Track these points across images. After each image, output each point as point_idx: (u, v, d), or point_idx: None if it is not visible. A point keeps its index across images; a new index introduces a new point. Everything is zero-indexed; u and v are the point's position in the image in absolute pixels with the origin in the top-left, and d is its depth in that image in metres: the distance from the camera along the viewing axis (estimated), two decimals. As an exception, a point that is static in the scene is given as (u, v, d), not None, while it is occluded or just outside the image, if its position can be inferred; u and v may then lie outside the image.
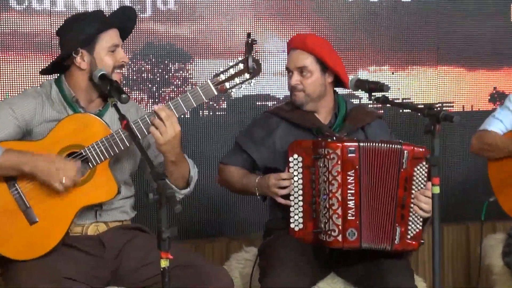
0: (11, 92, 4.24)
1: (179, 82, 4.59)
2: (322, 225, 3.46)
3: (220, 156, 3.92)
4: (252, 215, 4.76)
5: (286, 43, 3.81)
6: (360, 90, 3.56)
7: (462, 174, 5.17)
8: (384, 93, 3.43)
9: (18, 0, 4.29)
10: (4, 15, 4.27)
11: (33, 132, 3.27)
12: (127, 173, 3.41)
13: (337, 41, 4.81)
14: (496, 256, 4.02)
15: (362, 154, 3.43)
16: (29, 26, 4.31)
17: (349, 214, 3.42)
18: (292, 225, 3.53)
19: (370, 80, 3.55)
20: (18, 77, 4.28)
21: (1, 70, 4.27)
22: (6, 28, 4.28)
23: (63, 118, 3.24)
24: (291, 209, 3.53)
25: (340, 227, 3.42)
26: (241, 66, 3.20)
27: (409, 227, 3.46)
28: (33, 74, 4.28)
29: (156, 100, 4.53)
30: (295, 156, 3.52)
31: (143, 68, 4.54)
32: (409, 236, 3.47)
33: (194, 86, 3.24)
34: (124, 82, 4.41)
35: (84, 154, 3.19)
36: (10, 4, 4.28)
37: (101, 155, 3.19)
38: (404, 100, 5.05)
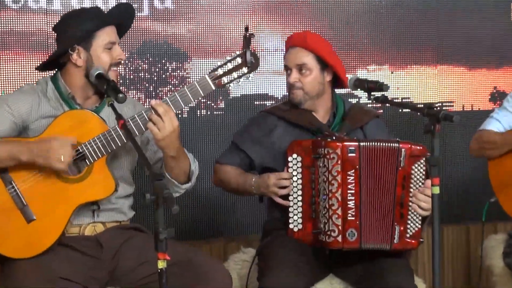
0: (7, 91, 4.23)
1: (177, 82, 4.59)
2: (321, 225, 3.45)
3: (218, 156, 3.90)
4: (250, 216, 4.75)
5: (284, 42, 3.79)
6: (359, 89, 3.56)
7: (462, 174, 5.17)
8: (383, 93, 3.43)
9: (14, -2, 4.29)
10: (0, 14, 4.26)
11: (30, 129, 3.26)
12: (125, 169, 3.40)
13: (336, 40, 4.80)
14: (497, 257, 4.01)
15: (362, 154, 3.42)
16: (25, 24, 4.30)
17: (349, 215, 3.41)
18: (291, 226, 3.52)
19: (369, 79, 3.53)
20: (14, 75, 4.27)
21: (-2, 69, 4.28)
22: (2, 27, 4.27)
23: (60, 114, 3.23)
24: (290, 209, 3.52)
25: (340, 227, 3.41)
26: (238, 60, 3.19)
27: (408, 226, 3.46)
28: (30, 72, 4.27)
29: (153, 99, 4.51)
30: (295, 156, 3.51)
31: (140, 67, 4.53)
32: (408, 235, 3.46)
33: (191, 83, 3.26)
34: (121, 81, 4.40)
35: (81, 150, 3.18)
36: (6, 3, 4.26)
37: (98, 152, 3.18)
38: (403, 100, 5.04)
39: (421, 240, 3.48)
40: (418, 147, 3.44)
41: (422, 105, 3.26)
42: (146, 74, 4.54)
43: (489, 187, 4.04)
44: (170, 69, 4.58)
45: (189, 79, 4.59)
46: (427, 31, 5.08)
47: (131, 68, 4.51)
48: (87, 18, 3.25)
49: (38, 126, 3.24)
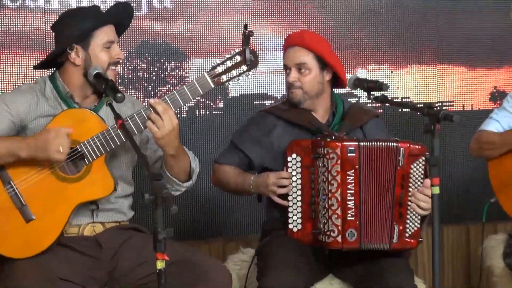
0: (5, 90, 4.22)
1: (175, 81, 4.58)
2: (321, 225, 3.44)
3: (217, 156, 3.89)
4: (249, 216, 4.75)
5: (283, 41, 3.77)
6: (359, 89, 3.56)
7: (462, 174, 5.16)
8: (383, 92, 3.42)
9: (12, -2, 4.28)
10: (-3, 13, 4.27)
11: (28, 128, 3.25)
12: (124, 169, 3.39)
13: (335, 39, 4.80)
14: (497, 257, 4.01)
15: (362, 154, 3.41)
16: (23, 24, 4.29)
17: (349, 215, 3.41)
18: (290, 226, 3.51)
19: (369, 79, 3.52)
20: (12, 75, 4.26)
21: (-4, 68, 4.27)
22: (0, 26, 4.25)
23: (58, 113, 3.22)
24: (290, 209, 3.51)
25: (339, 227, 3.40)
26: (238, 58, 3.18)
27: (407, 225, 3.45)
28: (28, 72, 4.26)
29: (152, 98, 4.50)
30: (294, 155, 3.50)
31: (138, 67, 4.52)
32: (407, 235, 3.46)
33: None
34: (119, 81, 4.39)
35: (80, 149, 3.17)
36: (4, 2, 4.25)
37: (97, 151, 3.17)
38: (403, 99, 5.04)
39: (420, 239, 3.48)
40: (417, 147, 3.44)
41: (422, 105, 3.26)
42: (145, 73, 4.53)
43: (489, 187, 4.04)
44: (168, 69, 4.57)
45: (187, 79, 4.58)
46: (427, 31, 5.07)
47: (130, 67, 4.50)
48: (85, 17, 3.24)
49: (36, 125, 3.23)
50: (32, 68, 3.82)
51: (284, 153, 3.53)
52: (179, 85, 4.48)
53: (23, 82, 4.20)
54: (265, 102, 4.71)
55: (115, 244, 3.29)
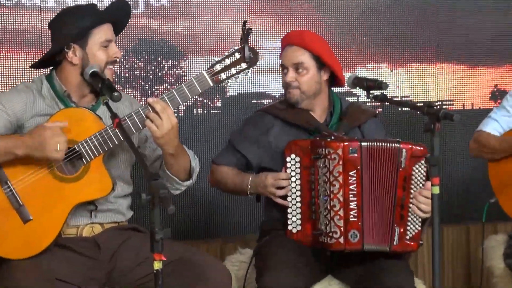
0: (2, 89, 4.21)
1: (173, 80, 4.58)
2: (322, 227, 3.43)
3: (215, 155, 3.86)
4: (247, 216, 4.74)
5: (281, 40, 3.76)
6: (358, 88, 3.55)
7: (462, 174, 5.17)
8: (382, 91, 3.41)
9: (8, -5, 4.27)
10: (-7, 11, 4.25)
11: (25, 127, 3.23)
12: (122, 168, 3.38)
13: (334, 38, 4.79)
14: (497, 258, 4.01)
15: (364, 154, 3.40)
16: (19, 22, 4.28)
17: (351, 216, 3.39)
18: (289, 227, 3.50)
19: (369, 77, 3.51)
20: (8, 74, 4.25)
21: (-9, 67, 4.26)
22: (-4, 24, 4.26)
23: (56, 113, 3.21)
24: (289, 210, 3.50)
25: (342, 228, 3.39)
26: (237, 55, 3.16)
27: (408, 228, 3.44)
28: (24, 71, 4.24)
29: (150, 97, 4.49)
30: (293, 156, 3.48)
31: (135, 66, 4.52)
32: (408, 237, 3.45)
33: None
34: (116, 79, 4.38)
35: (77, 149, 3.15)
36: (-1, 0, 4.24)
37: (94, 150, 3.15)
38: (403, 98, 5.03)
39: (421, 242, 3.46)
40: (419, 148, 3.43)
41: (422, 104, 3.24)
42: (142, 72, 4.52)
43: (489, 187, 4.04)
44: (166, 67, 4.56)
45: (185, 77, 4.57)
46: (426, 29, 5.07)
47: (127, 66, 4.50)
48: (83, 15, 3.23)
49: (33, 124, 3.21)
50: (28, 67, 3.81)
51: (282, 153, 3.51)
52: (177, 84, 4.49)
53: (20, 80, 4.21)
54: (263, 101, 4.70)
55: (114, 245, 3.29)
